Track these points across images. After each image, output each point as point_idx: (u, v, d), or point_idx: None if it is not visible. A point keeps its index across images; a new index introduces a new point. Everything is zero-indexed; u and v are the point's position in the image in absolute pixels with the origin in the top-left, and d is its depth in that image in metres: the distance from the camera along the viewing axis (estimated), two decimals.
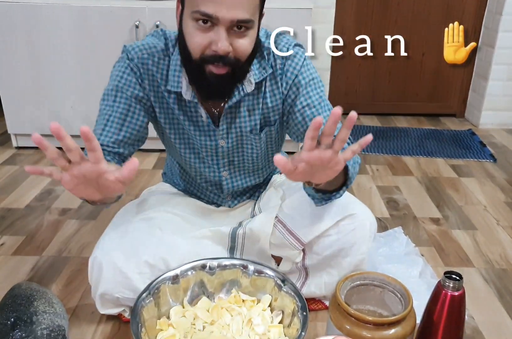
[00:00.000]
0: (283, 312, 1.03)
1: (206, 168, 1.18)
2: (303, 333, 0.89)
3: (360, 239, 1.11)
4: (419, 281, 1.33)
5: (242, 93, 1.03)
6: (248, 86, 1.03)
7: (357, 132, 2.61)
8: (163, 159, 2.09)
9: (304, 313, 0.94)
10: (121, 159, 1.06)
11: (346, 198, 1.17)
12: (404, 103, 2.90)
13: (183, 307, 1.06)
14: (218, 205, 1.30)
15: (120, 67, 1.05)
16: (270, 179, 1.34)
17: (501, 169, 2.17)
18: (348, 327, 0.88)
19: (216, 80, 0.93)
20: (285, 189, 1.29)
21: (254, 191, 1.31)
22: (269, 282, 1.06)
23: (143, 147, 1.13)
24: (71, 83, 2.12)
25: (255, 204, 1.30)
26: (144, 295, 0.98)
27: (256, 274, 1.07)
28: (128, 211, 1.19)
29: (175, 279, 1.04)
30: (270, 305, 1.06)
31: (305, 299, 0.99)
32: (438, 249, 1.52)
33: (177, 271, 1.05)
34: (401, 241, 1.52)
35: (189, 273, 1.06)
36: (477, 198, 1.88)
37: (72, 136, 0.67)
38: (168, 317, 1.03)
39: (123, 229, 1.09)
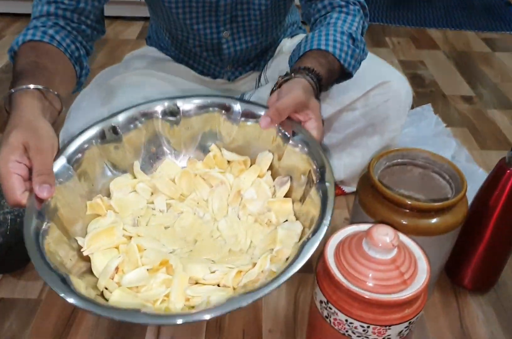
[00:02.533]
0: (291, 179, 0.65)
1: (203, 29, 0.92)
2: (328, 213, 0.54)
3: (393, 112, 0.92)
4: None
5: None
6: None
7: (371, 1, 2.24)
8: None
9: (327, 182, 0.57)
10: (81, 24, 0.78)
11: (377, 63, 0.94)
12: None
13: (134, 178, 0.68)
14: (215, 77, 1.04)
15: None
16: (278, 44, 1.07)
17: None
18: (384, 214, 0.69)
19: None
20: None
21: (259, 60, 1.05)
22: (269, 131, 0.65)
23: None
24: None
25: (260, 75, 1.05)
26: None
27: (244, 118, 0.68)
28: (97, 78, 0.94)
29: (111, 134, 0.64)
30: (271, 168, 0.67)
31: None
32: (472, 130, 1.31)
33: (114, 121, 0.65)
34: (430, 120, 1.31)
35: (135, 124, 0.66)
36: None
37: None
38: (109, 196, 0.65)
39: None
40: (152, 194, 0.66)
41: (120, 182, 0.66)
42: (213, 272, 0.56)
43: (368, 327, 0.56)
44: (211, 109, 0.68)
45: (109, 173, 0.66)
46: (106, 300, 0.52)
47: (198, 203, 0.66)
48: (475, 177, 1.06)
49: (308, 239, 0.52)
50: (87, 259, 0.57)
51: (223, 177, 0.66)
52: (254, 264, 0.55)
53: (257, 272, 0.54)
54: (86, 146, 0.62)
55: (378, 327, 0.56)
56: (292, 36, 1.09)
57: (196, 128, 0.69)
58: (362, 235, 0.58)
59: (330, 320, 0.59)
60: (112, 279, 0.55)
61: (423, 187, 0.80)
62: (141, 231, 0.61)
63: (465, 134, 1.29)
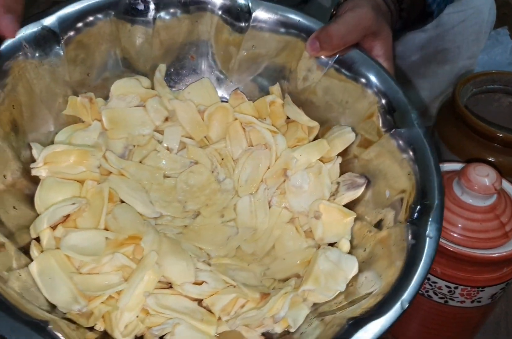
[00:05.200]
0: (368, 183, 0.42)
1: None
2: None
3: (471, 35, 0.80)
4: None
5: None
6: None
7: None
8: None
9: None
10: None
11: None
12: None
13: (150, 88, 0.45)
14: None
15: None
16: None
17: None
18: (473, 151, 0.58)
19: None
20: None
21: None
22: (367, 94, 0.42)
23: None
24: None
25: None
26: None
27: (338, 65, 0.43)
28: None
29: (140, 7, 0.42)
30: (343, 155, 0.44)
31: None
32: None
33: None
34: (505, 46, 1.17)
35: (174, 10, 0.43)
36: None
37: None
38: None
39: None
40: (165, 120, 0.44)
41: (126, 87, 0.43)
42: (200, 283, 0.36)
43: (456, 288, 0.46)
44: (294, 32, 0.43)
45: (113, 66, 0.43)
46: (30, 258, 0.35)
47: (223, 159, 0.44)
48: None
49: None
50: (34, 180, 0.38)
51: (271, 139, 0.43)
52: (263, 295, 0.36)
53: (263, 317, 0.35)
54: (96, 14, 0.41)
55: (469, 289, 0.46)
56: None
57: (265, 52, 0.45)
58: (452, 176, 0.47)
59: None
60: (53, 229, 0.36)
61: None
62: (129, 168, 0.41)
63: None
